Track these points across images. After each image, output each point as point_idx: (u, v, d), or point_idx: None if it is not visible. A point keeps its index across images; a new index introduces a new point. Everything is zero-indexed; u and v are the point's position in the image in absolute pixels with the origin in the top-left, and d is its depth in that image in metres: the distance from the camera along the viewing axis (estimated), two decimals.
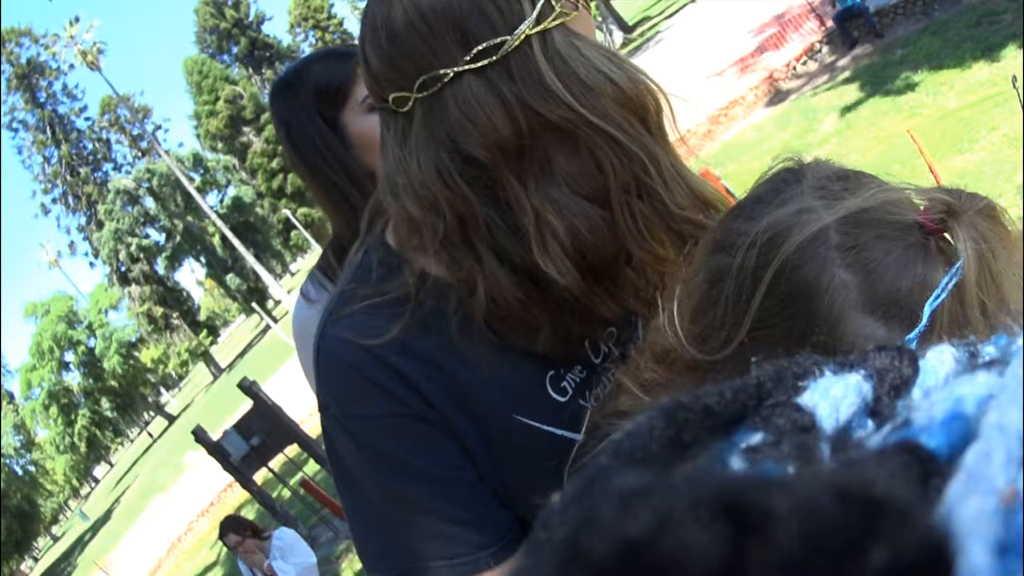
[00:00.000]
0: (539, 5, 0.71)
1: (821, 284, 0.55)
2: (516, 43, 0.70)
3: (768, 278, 0.58)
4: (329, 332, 0.80)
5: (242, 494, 11.10)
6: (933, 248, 0.54)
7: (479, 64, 0.70)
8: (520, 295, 0.74)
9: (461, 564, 0.77)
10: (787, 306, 0.57)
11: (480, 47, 0.70)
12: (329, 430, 0.82)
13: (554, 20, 0.71)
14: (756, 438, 0.22)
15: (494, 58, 0.70)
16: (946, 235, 0.55)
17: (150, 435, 50.32)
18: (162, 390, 55.44)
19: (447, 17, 0.70)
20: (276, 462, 7.96)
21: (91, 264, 50.57)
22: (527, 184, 0.72)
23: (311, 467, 8.50)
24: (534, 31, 0.70)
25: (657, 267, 0.76)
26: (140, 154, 50.91)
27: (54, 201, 49.95)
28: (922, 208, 0.56)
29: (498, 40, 0.70)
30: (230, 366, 45.44)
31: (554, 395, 0.82)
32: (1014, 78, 3.55)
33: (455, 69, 0.70)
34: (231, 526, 4.33)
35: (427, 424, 0.77)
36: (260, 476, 7.79)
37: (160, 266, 47.65)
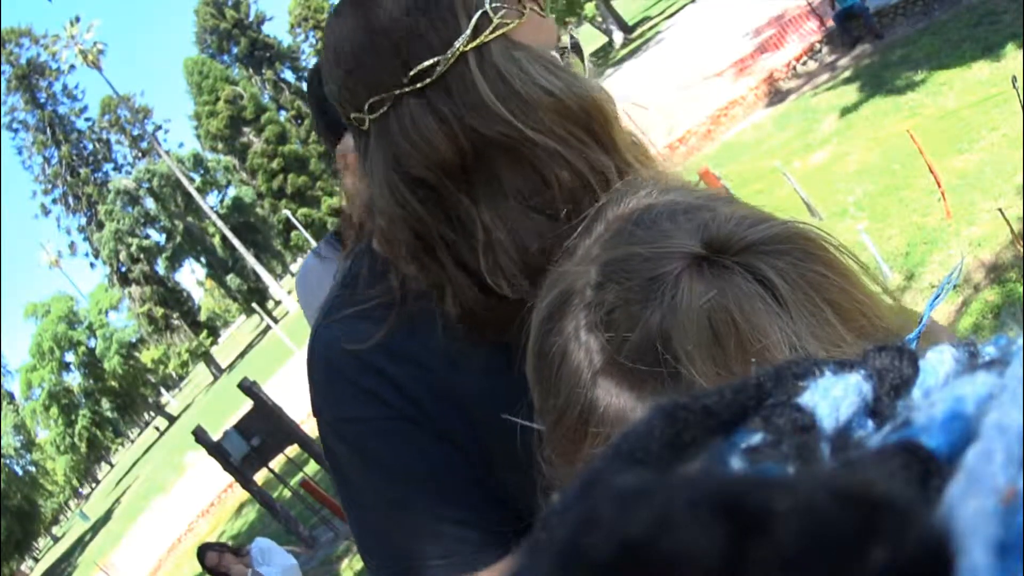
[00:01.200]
0: (474, 19, 0.70)
1: (568, 349, 0.48)
2: (451, 61, 0.70)
3: (532, 343, 0.52)
4: (318, 338, 0.81)
5: (242, 494, 11.10)
6: (680, 295, 0.46)
7: (418, 85, 0.70)
8: (487, 302, 0.75)
9: (458, 563, 0.77)
10: (547, 377, 0.50)
11: (417, 68, 0.70)
12: (324, 435, 0.83)
13: (492, 33, 0.71)
14: (756, 438, 0.22)
15: (431, 79, 0.70)
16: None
17: (157, 429, 50.32)
18: (162, 390, 55.44)
19: (388, 39, 0.71)
20: (276, 462, 7.96)
21: (91, 265, 50.58)
22: (477, 200, 0.72)
23: (311, 467, 8.50)
24: (469, 47, 0.70)
25: None
26: (140, 154, 50.93)
27: (54, 202, 49.98)
28: (673, 253, 0.48)
29: (433, 60, 0.70)
30: (230, 366, 45.45)
31: None
32: (1014, 78, 3.56)
33: (396, 91, 0.71)
34: (208, 547, 4.46)
35: (416, 426, 0.77)
36: (260, 476, 7.79)
37: (160, 267, 47.68)
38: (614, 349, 0.46)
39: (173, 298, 48.14)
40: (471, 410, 0.78)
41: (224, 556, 4.29)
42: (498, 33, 0.71)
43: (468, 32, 0.70)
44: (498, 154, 0.71)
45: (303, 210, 45.91)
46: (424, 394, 0.77)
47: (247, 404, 6.87)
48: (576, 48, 0.80)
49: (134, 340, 47.88)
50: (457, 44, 0.70)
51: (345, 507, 0.86)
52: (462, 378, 0.78)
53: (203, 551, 4.40)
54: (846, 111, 7.59)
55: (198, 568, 11.79)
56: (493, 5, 0.71)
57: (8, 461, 44.29)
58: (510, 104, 0.70)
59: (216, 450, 6.88)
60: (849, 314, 0.47)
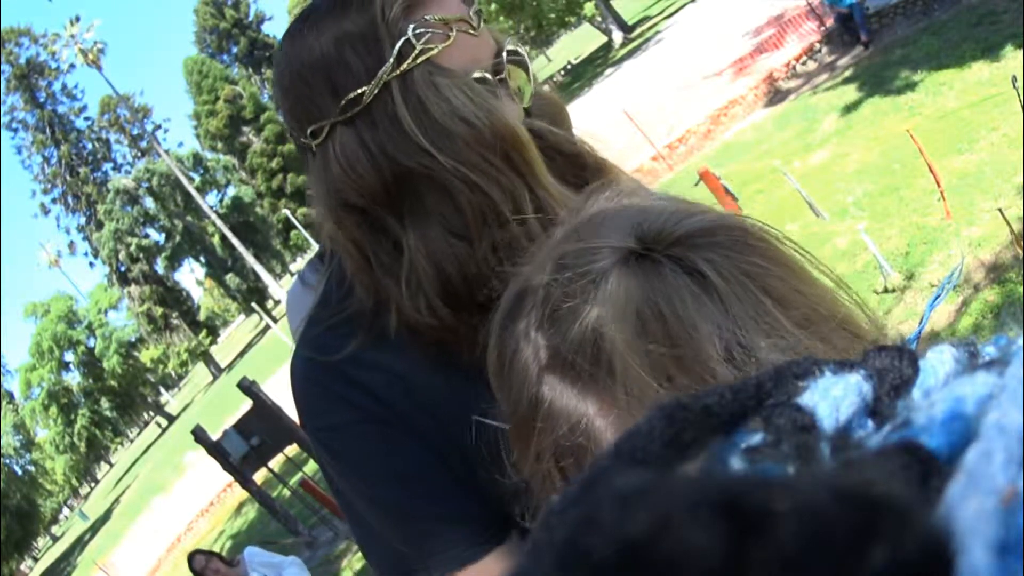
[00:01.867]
0: (397, 46, 0.71)
1: (519, 347, 0.49)
2: (375, 91, 0.71)
3: (492, 343, 0.53)
4: (295, 357, 0.85)
5: (242, 494, 11.10)
6: (611, 290, 0.47)
7: (348, 115, 0.72)
8: (431, 320, 0.76)
9: (445, 559, 0.78)
10: (502, 375, 0.51)
11: (346, 98, 0.72)
12: (312, 446, 0.86)
13: (415, 60, 0.72)
14: (756, 438, 0.22)
15: (359, 108, 0.72)
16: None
17: (159, 425, 50.29)
18: (162, 390, 55.42)
19: (318, 71, 0.73)
20: (276, 462, 7.96)
21: (91, 264, 50.59)
22: (406, 225, 0.75)
23: (311, 467, 8.49)
24: (392, 76, 0.71)
25: None
26: (140, 154, 50.90)
27: (54, 201, 49.95)
28: (608, 249, 0.48)
29: (360, 91, 0.72)
30: (230, 366, 45.44)
31: None
32: (1014, 78, 3.56)
33: (329, 121, 0.73)
34: (197, 551, 4.47)
35: (390, 427, 0.79)
36: (260, 476, 7.79)
37: (160, 266, 47.66)
38: (557, 345, 0.47)
39: (172, 298, 48.12)
40: (442, 414, 0.79)
41: (212, 560, 4.30)
42: (421, 60, 0.72)
43: (391, 60, 0.71)
44: (420, 181, 0.73)
45: (303, 209, 45.82)
46: (397, 399, 0.79)
47: (247, 404, 6.87)
48: (519, 61, 0.81)
49: (133, 340, 47.86)
50: (380, 73, 0.71)
51: (344, 512, 0.88)
52: (432, 382, 0.79)
53: (192, 554, 4.42)
54: (846, 111, 7.59)
55: None
56: (417, 31, 0.72)
57: (8, 461, 44.28)
58: (430, 134, 0.71)
59: (215, 450, 6.88)
60: (791, 303, 0.46)
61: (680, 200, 0.54)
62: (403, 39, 0.71)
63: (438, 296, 0.75)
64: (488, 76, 0.76)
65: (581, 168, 0.82)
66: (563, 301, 0.48)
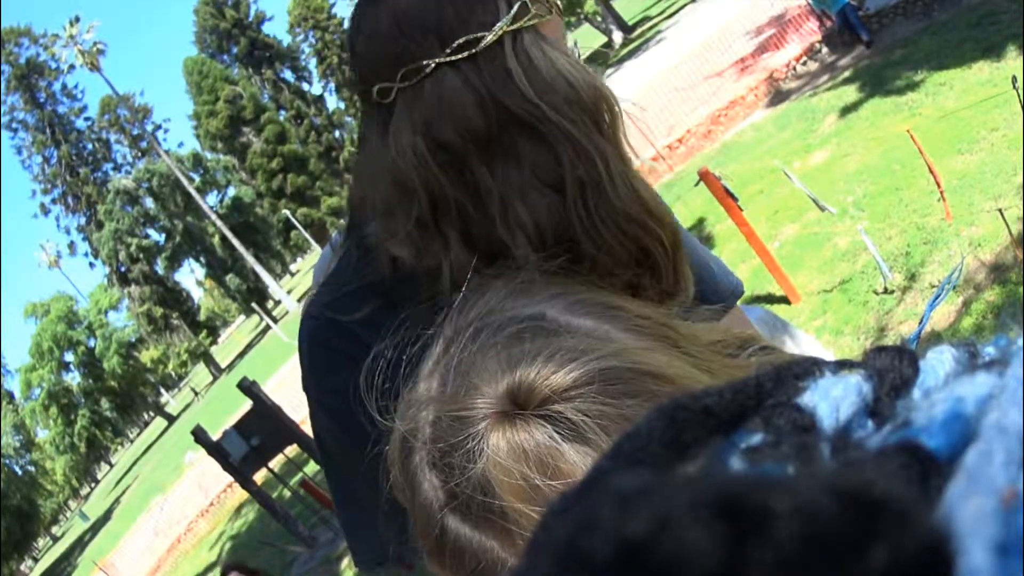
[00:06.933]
0: (515, 7, 0.76)
1: (418, 484, 0.51)
2: (492, 40, 0.75)
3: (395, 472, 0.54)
4: (307, 314, 0.86)
5: (242, 494, 11.10)
6: (489, 452, 0.48)
7: (456, 58, 0.76)
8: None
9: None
10: (411, 507, 0.52)
11: (458, 42, 0.76)
12: (313, 414, 0.87)
13: (528, 21, 0.77)
14: (756, 438, 0.22)
15: (470, 52, 0.76)
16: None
17: (166, 418, 50.27)
18: (162, 390, 55.45)
19: (429, 14, 0.76)
20: (276, 462, 7.96)
21: (91, 264, 50.64)
22: (494, 171, 0.77)
23: (311, 467, 8.50)
24: (508, 30, 0.76)
25: (607, 271, 0.78)
26: (140, 154, 50.94)
27: (54, 201, 50.00)
28: (486, 400, 0.49)
29: (474, 36, 0.76)
30: (230, 366, 45.46)
31: None
32: (1014, 78, 3.55)
33: (435, 60, 0.76)
34: (235, 567, 4.41)
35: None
36: (260, 476, 7.79)
37: (160, 266, 47.68)
38: (452, 488, 0.49)
39: (172, 298, 48.15)
40: None
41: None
42: (532, 22, 0.78)
43: (509, 17, 0.76)
44: (522, 130, 0.76)
45: (303, 210, 45.91)
46: None
47: (247, 404, 6.87)
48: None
49: (133, 340, 47.87)
50: (498, 26, 0.76)
51: (332, 493, 0.89)
52: None
53: (227, 569, 4.38)
54: (846, 111, 7.59)
55: (198, 568, 11.76)
56: None
57: (8, 461, 44.28)
58: (536, 86, 0.76)
59: (216, 450, 6.88)
60: None
61: (553, 339, 0.53)
62: (520, 2, 0.77)
63: (530, 237, 0.76)
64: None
65: None
66: (448, 451, 0.49)
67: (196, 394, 48.80)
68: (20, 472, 45.53)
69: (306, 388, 0.86)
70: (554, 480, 0.46)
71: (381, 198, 0.81)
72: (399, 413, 0.54)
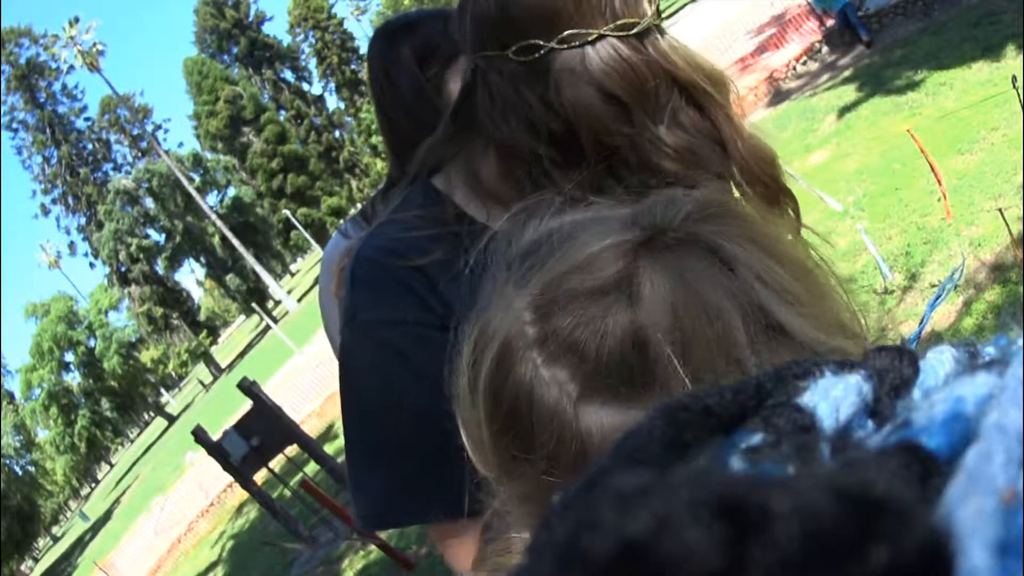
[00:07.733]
0: (654, 5, 0.87)
1: (535, 393, 0.45)
2: (648, 24, 0.85)
3: (484, 404, 0.48)
4: (369, 241, 0.86)
5: (242, 494, 11.10)
6: (641, 288, 0.44)
7: (622, 33, 0.84)
8: None
9: (459, 506, 0.73)
10: (519, 429, 0.47)
11: (623, 21, 0.84)
12: (349, 344, 0.85)
13: (659, 21, 0.88)
14: (756, 438, 0.22)
15: (636, 30, 0.84)
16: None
17: (166, 418, 50.22)
18: (162, 390, 55.44)
19: None
20: (276, 462, 7.96)
21: (91, 265, 50.64)
22: (658, 124, 0.85)
23: (311, 467, 8.50)
24: (655, 23, 0.87)
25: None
26: (140, 154, 50.94)
27: (54, 202, 50.00)
28: (616, 250, 0.45)
29: (634, 20, 0.85)
30: (230, 366, 45.44)
31: None
32: (1014, 78, 3.55)
33: (602, 31, 0.83)
34: None
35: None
36: (260, 476, 7.79)
37: (160, 266, 47.67)
38: (586, 370, 0.44)
39: (173, 298, 48.14)
40: None
41: None
42: (660, 21, 0.89)
43: (653, 13, 0.87)
44: (678, 92, 0.86)
45: (303, 210, 45.88)
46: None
47: (247, 404, 6.87)
48: None
49: (134, 340, 47.86)
50: (648, 17, 0.86)
51: (349, 438, 0.86)
52: None
53: None
54: (846, 111, 7.59)
55: (198, 568, 11.74)
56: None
57: (8, 461, 44.27)
58: (688, 60, 0.86)
59: (216, 450, 6.88)
60: (792, 263, 0.47)
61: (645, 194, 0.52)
62: (656, 3, 0.88)
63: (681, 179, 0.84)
64: None
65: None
66: (576, 324, 0.44)
67: (204, 386, 48.79)
68: (20, 472, 45.53)
69: (352, 315, 0.83)
70: (706, 308, 0.42)
71: (508, 144, 0.85)
72: (467, 352, 0.50)
